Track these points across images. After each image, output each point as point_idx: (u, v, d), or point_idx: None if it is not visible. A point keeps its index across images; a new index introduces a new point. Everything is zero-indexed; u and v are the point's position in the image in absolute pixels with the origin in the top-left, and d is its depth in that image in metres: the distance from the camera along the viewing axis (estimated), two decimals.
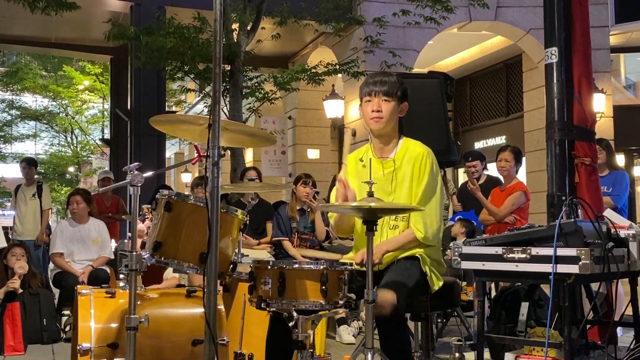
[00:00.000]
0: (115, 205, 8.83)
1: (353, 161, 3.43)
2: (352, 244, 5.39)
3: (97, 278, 6.15)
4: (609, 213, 3.84)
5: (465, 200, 7.06)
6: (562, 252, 2.93)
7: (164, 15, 10.56)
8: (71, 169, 28.83)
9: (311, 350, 2.75)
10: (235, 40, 9.07)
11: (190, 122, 3.14)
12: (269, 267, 2.74)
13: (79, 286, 3.64)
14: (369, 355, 2.69)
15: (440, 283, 3.22)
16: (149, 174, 3.01)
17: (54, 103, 26.19)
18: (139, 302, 3.02)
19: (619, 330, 4.37)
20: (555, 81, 4.00)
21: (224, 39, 7.57)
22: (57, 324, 6.04)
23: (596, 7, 10.82)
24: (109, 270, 6.51)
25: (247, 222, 3.33)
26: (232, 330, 3.40)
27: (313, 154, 13.77)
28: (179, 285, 5.78)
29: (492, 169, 6.96)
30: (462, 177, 12.88)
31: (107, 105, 22.28)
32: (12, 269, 5.99)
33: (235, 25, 9.25)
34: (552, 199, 3.95)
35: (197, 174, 18.01)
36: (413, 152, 3.23)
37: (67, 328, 5.94)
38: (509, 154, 5.98)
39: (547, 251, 2.96)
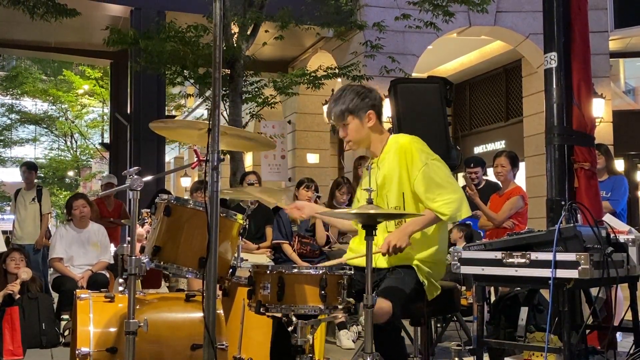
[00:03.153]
0: (117, 210, 8.83)
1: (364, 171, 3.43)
2: None
3: (96, 282, 6.15)
4: (608, 218, 3.84)
5: None
6: (562, 257, 2.93)
7: (164, 20, 10.57)
8: (71, 173, 28.81)
9: (310, 355, 2.75)
10: (235, 45, 9.08)
11: (190, 127, 3.15)
12: (268, 272, 2.74)
13: (77, 290, 3.63)
14: None
15: (437, 292, 3.21)
16: (148, 178, 3.01)
17: (54, 107, 26.18)
18: (138, 307, 3.02)
19: (618, 335, 4.36)
20: (554, 86, 4.01)
21: (223, 44, 7.59)
22: (56, 328, 6.03)
23: (595, 12, 10.84)
24: (108, 275, 6.51)
25: (247, 226, 3.33)
26: (231, 334, 3.40)
27: (313, 158, 13.77)
28: (179, 290, 5.78)
29: (491, 174, 6.97)
30: (461, 181, 12.87)
31: (106, 110, 22.28)
32: (11, 273, 6.01)
33: (235, 30, 9.27)
34: (551, 203, 3.95)
35: (196, 178, 18.01)
36: (397, 144, 3.19)
37: (66, 332, 5.93)
38: (504, 159, 5.99)
39: (547, 256, 2.96)
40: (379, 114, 3.24)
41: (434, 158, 3.16)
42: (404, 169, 3.14)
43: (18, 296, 5.83)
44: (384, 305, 2.84)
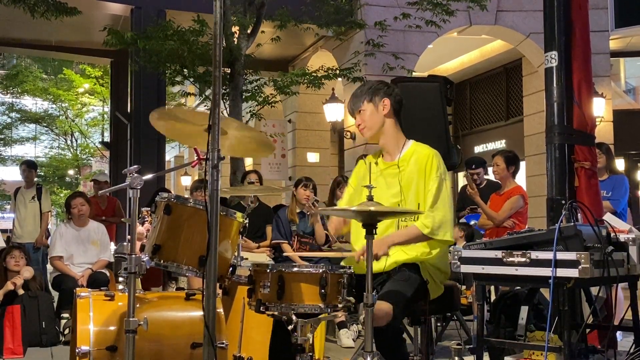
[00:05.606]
0: (111, 208, 8.80)
1: (363, 164, 3.45)
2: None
3: (96, 281, 6.15)
4: (608, 217, 3.84)
5: (464, 204, 7.08)
6: (562, 256, 2.92)
7: (164, 18, 10.56)
8: (71, 172, 28.80)
9: (310, 354, 2.75)
10: (236, 44, 9.07)
11: (189, 121, 3.11)
12: (268, 271, 2.74)
13: (77, 289, 3.63)
14: (369, 359, 2.68)
15: (440, 291, 3.22)
16: (148, 176, 3.01)
17: (54, 106, 26.15)
18: (138, 305, 3.02)
19: (618, 334, 4.36)
20: (555, 85, 4.01)
21: (224, 43, 7.59)
22: (56, 327, 6.04)
23: (596, 12, 10.84)
24: (108, 273, 6.51)
25: (247, 225, 3.33)
26: (231, 333, 3.40)
27: (313, 157, 13.77)
28: (179, 289, 5.78)
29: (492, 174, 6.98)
30: (462, 181, 12.87)
31: (107, 108, 22.26)
32: (11, 271, 6.03)
33: (235, 29, 9.26)
34: (551, 202, 3.95)
35: (196, 177, 18.01)
36: (420, 154, 3.24)
37: (66, 331, 5.93)
38: (499, 158, 6.01)
39: (547, 255, 2.96)
40: (395, 107, 3.32)
41: (445, 178, 3.23)
42: (421, 180, 3.19)
43: (22, 292, 5.84)
44: (384, 307, 2.84)
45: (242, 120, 9.32)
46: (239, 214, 3.24)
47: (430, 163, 3.19)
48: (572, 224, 3.07)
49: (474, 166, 6.82)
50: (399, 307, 2.92)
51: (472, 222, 6.73)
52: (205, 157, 2.48)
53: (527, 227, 5.75)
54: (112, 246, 7.43)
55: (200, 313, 2.75)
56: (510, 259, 3.07)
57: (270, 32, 10.36)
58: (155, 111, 3.05)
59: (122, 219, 8.69)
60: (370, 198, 2.77)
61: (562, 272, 2.91)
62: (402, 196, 3.21)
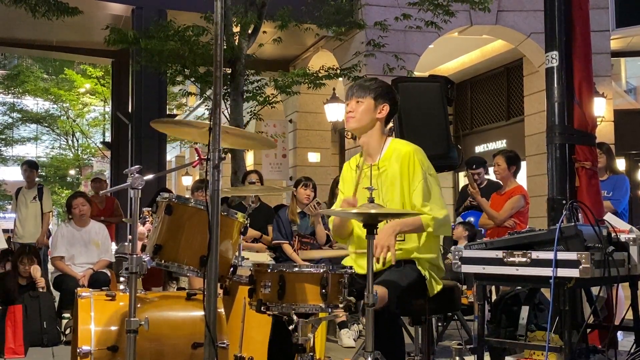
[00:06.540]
0: (109, 207, 8.79)
1: (348, 169, 3.45)
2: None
3: (97, 281, 6.16)
4: (609, 217, 3.84)
5: (464, 203, 7.08)
6: (563, 256, 2.92)
7: (165, 19, 10.57)
8: (72, 172, 28.83)
9: (311, 354, 2.75)
10: (237, 44, 9.08)
11: (191, 126, 3.14)
12: (269, 271, 2.74)
13: (79, 289, 3.64)
14: (370, 359, 2.68)
15: (440, 287, 3.22)
16: (149, 176, 3.01)
17: (55, 106, 26.18)
18: (139, 305, 3.02)
19: (619, 334, 4.36)
20: (555, 85, 4.01)
21: (225, 43, 7.59)
22: (57, 327, 6.05)
23: (597, 12, 10.83)
24: (109, 273, 6.51)
25: (248, 225, 3.34)
26: (232, 333, 3.40)
27: (314, 157, 13.77)
28: (180, 289, 5.79)
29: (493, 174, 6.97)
30: (463, 180, 12.87)
31: (108, 109, 22.28)
32: (22, 276, 6.11)
33: (236, 29, 9.27)
34: (552, 202, 3.95)
35: (197, 177, 18.01)
36: (400, 151, 3.22)
37: (67, 331, 5.94)
38: (500, 157, 6.01)
39: (548, 255, 2.96)
40: (390, 114, 3.31)
41: (431, 173, 3.21)
42: (405, 179, 3.17)
43: (43, 286, 6.07)
44: (379, 290, 2.84)
45: (242, 120, 9.33)
46: (239, 214, 3.24)
47: (412, 161, 3.17)
48: (573, 224, 3.07)
49: (474, 166, 6.82)
50: (394, 292, 2.91)
51: (468, 219, 6.71)
52: (206, 157, 2.48)
53: (527, 227, 5.76)
54: (113, 246, 7.43)
55: (201, 313, 2.75)
56: (511, 259, 3.08)
57: (271, 32, 10.37)
58: (155, 121, 3.09)
59: (122, 219, 8.71)
60: (371, 200, 2.78)
61: (562, 272, 2.92)
62: (382, 197, 3.20)
